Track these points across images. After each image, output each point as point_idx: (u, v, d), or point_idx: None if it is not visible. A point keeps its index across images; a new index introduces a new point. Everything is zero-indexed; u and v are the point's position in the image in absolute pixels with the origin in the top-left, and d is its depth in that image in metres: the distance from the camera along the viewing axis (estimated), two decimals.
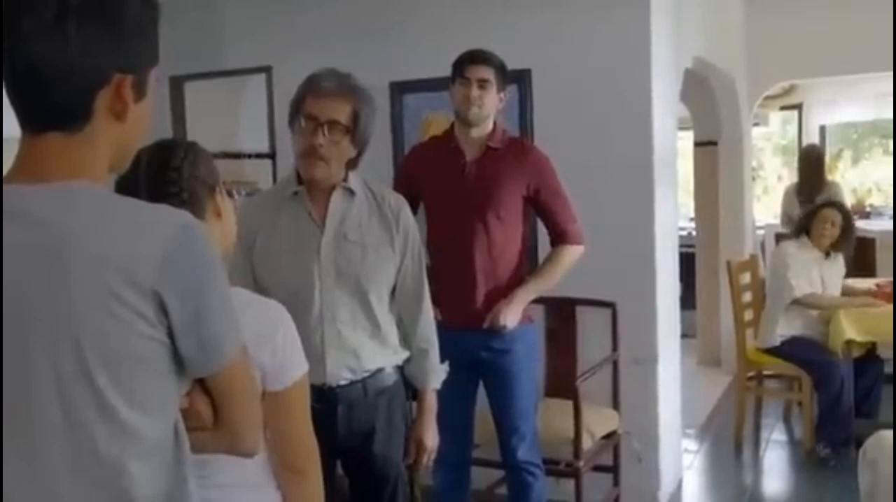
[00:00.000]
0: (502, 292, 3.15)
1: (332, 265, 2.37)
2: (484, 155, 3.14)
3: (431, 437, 2.64)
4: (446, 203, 3.15)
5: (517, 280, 3.19)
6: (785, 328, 4.94)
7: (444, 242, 3.16)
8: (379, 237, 2.45)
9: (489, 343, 3.14)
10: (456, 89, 3.12)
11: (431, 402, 2.62)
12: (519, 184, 3.16)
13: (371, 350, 2.45)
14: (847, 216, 5.06)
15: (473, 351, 3.14)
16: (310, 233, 2.38)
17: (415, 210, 3.23)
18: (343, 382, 2.40)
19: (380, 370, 2.47)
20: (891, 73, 5.56)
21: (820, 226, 4.98)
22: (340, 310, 2.38)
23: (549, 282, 3.25)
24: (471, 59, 3.11)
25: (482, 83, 3.08)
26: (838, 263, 5.08)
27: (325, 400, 2.34)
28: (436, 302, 3.06)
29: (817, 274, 4.97)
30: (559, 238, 3.25)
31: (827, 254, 5.01)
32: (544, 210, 3.24)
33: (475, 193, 3.11)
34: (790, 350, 4.91)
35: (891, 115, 6.99)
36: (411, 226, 2.55)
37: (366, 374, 2.44)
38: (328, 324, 2.36)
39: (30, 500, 1.18)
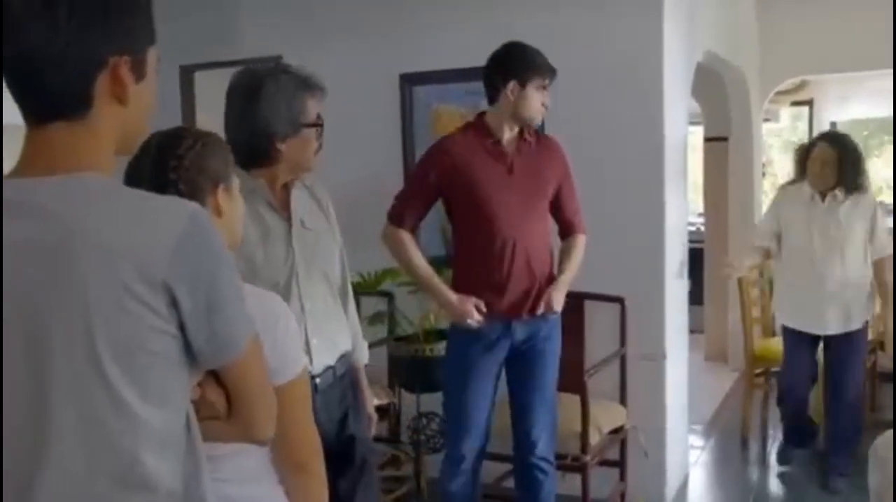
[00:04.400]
0: (547, 281, 3.20)
1: (302, 255, 2.39)
2: (519, 149, 3.17)
3: (373, 408, 2.74)
4: (497, 198, 3.11)
5: (551, 269, 3.25)
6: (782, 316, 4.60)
7: (496, 236, 3.11)
8: (323, 223, 2.52)
9: (538, 329, 3.20)
10: (531, 95, 3.09)
11: (364, 376, 2.71)
12: (553, 179, 3.24)
13: (342, 333, 2.53)
14: (844, 151, 4.25)
15: (525, 340, 3.19)
16: (277, 226, 2.37)
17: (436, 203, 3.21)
18: (321, 369, 2.42)
19: (345, 353, 2.53)
20: None
21: (810, 167, 4.29)
22: (317, 299, 2.42)
23: (576, 271, 3.32)
24: (551, 69, 3.15)
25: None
26: (843, 207, 4.24)
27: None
28: (476, 293, 3.10)
29: (805, 220, 4.29)
30: (571, 228, 3.31)
31: (824, 197, 4.26)
32: (561, 202, 3.29)
33: (523, 188, 3.15)
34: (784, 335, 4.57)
35: None
36: (333, 211, 2.61)
37: (337, 358, 2.48)
38: (309, 315, 2.37)
39: (50, 499, 1.18)
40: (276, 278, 2.32)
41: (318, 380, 2.39)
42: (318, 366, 2.39)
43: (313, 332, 2.38)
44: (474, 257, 3.15)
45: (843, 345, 4.30)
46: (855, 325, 4.28)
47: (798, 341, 4.41)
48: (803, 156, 4.41)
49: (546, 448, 3.27)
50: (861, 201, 4.23)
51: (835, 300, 4.23)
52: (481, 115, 3.22)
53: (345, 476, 2.51)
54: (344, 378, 2.52)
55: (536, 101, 3.10)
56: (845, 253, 4.19)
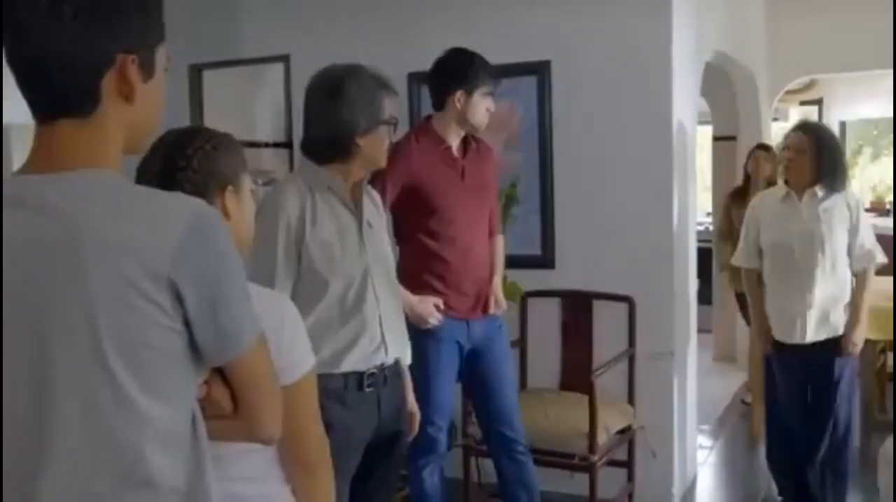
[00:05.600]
0: (489, 282, 3.30)
1: (372, 251, 2.47)
2: (465, 154, 3.23)
3: (416, 406, 2.76)
4: (455, 204, 3.16)
5: (492, 270, 3.34)
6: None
7: (456, 241, 3.17)
8: (380, 221, 2.60)
9: (489, 326, 3.29)
10: (478, 102, 3.13)
11: (408, 374, 2.71)
12: (494, 182, 3.39)
13: (403, 328, 2.60)
14: (820, 139, 3.75)
15: (481, 337, 3.25)
16: (349, 223, 2.44)
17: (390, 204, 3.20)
18: (391, 361, 2.50)
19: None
20: None
21: (784, 158, 3.82)
22: (387, 292, 2.50)
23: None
24: (496, 76, 3.18)
25: None
26: (823, 205, 3.70)
27: (377, 383, 2.44)
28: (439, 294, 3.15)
29: (782, 220, 3.78)
30: (493, 230, 3.39)
31: (801, 197, 3.73)
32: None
33: (474, 192, 3.22)
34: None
35: None
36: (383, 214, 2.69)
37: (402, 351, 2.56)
38: (382, 308, 2.45)
39: (54, 494, 1.17)
40: (353, 272, 2.40)
41: (386, 373, 2.47)
42: (391, 355, 2.48)
43: (387, 327, 2.46)
44: (434, 262, 3.16)
45: (826, 360, 3.73)
46: (837, 333, 3.73)
47: (788, 359, 3.83)
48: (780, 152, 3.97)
49: (523, 438, 3.36)
50: (840, 202, 3.72)
51: (820, 305, 3.69)
52: (428, 119, 3.26)
53: (380, 469, 2.55)
54: (399, 373, 2.58)
55: (482, 108, 3.15)
56: (827, 253, 3.67)
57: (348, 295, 2.38)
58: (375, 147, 2.46)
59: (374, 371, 2.43)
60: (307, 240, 2.34)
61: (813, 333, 3.73)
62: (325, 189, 2.41)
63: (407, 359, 2.67)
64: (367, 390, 2.40)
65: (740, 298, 5.15)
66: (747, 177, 5.60)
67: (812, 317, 3.71)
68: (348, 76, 2.43)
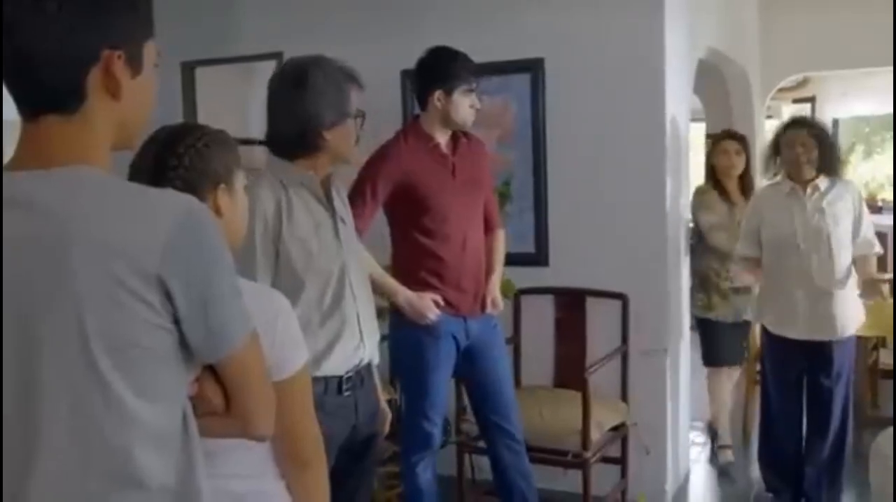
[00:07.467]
0: (486, 279, 3.32)
1: (348, 246, 2.45)
2: (455, 152, 3.22)
3: (386, 405, 2.72)
4: (447, 202, 3.16)
5: (489, 266, 3.35)
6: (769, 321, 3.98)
7: (449, 236, 3.17)
8: (350, 220, 2.58)
9: (489, 324, 3.32)
10: (458, 101, 3.13)
11: (377, 373, 2.68)
12: (486, 178, 3.39)
13: (376, 322, 2.57)
14: (821, 132, 3.86)
15: (478, 336, 3.26)
16: (324, 218, 2.41)
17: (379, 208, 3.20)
18: (367, 359, 2.48)
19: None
20: None
21: (789, 154, 3.80)
22: (362, 288, 2.48)
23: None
24: (475, 72, 3.17)
25: None
26: (827, 198, 3.77)
27: (355, 386, 2.42)
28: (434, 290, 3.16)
29: (787, 214, 3.79)
30: (493, 224, 3.40)
31: (805, 190, 3.78)
32: (485, 199, 3.38)
33: (465, 188, 3.21)
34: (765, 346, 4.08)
35: None
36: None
37: (377, 347, 2.53)
38: (360, 303, 2.44)
39: (43, 495, 1.17)
40: (331, 267, 2.38)
41: (363, 374, 2.45)
42: (368, 354, 2.47)
43: (364, 324, 2.44)
44: (430, 260, 3.16)
45: (829, 358, 3.77)
46: (846, 332, 3.78)
47: (785, 354, 3.86)
48: (773, 148, 3.91)
49: (520, 434, 3.38)
50: (844, 193, 3.79)
51: (824, 299, 3.72)
52: (416, 118, 3.26)
53: (356, 471, 2.53)
54: (371, 376, 2.55)
55: (465, 106, 3.14)
56: (832, 246, 3.71)
57: (326, 294, 2.35)
58: (342, 141, 2.42)
59: (352, 374, 2.39)
60: (284, 237, 2.32)
61: (824, 331, 3.74)
62: (299, 185, 2.38)
63: (376, 359, 2.65)
64: (346, 394, 2.37)
65: None
66: (712, 171, 4.71)
67: (820, 312, 3.73)
68: (313, 66, 2.38)
